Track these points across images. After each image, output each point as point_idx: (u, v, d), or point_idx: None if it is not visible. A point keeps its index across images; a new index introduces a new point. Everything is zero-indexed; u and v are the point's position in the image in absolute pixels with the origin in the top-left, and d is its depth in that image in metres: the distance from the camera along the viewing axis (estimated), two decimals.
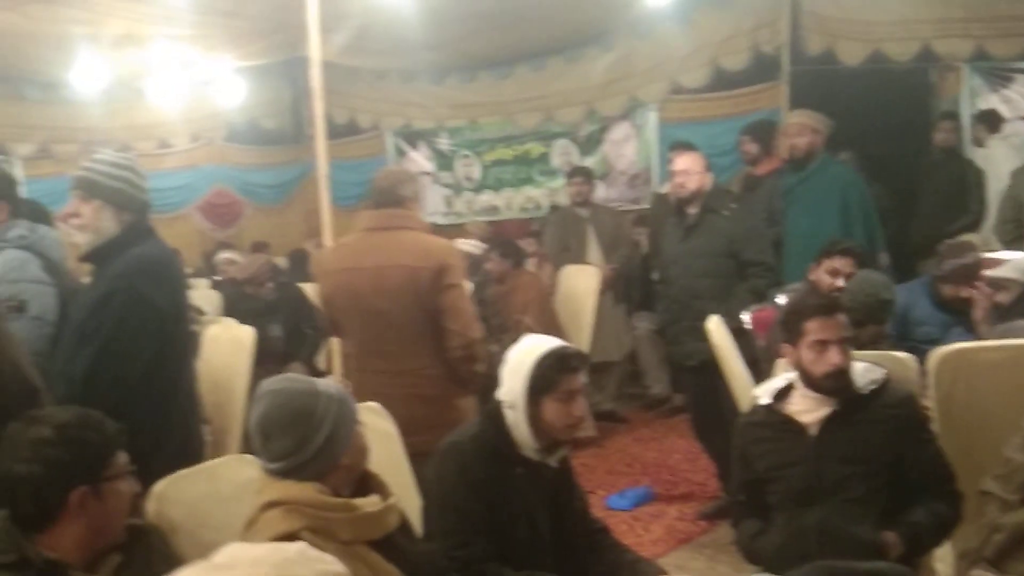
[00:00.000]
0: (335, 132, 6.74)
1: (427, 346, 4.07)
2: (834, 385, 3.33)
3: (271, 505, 2.42)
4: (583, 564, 3.19)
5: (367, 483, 2.62)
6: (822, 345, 3.33)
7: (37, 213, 4.30)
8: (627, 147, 9.63)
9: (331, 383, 2.65)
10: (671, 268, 5.63)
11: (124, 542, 2.33)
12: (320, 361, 7.58)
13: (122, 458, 2.29)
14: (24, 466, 2.17)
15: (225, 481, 2.89)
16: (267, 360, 5.83)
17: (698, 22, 8.68)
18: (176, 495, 2.71)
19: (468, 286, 6.56)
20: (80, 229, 3.48)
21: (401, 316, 4.07)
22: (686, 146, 7.64)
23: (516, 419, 3.03)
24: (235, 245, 10.44)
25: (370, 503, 2.50)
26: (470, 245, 7.70)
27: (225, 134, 11.34)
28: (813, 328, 3.35)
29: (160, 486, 2.67)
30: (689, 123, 8.99)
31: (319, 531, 2.36)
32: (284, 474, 2.47)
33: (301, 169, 11.92)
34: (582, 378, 3.09)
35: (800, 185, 6.20)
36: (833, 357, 3.30)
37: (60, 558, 2.17)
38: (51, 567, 2.15)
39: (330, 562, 1.67)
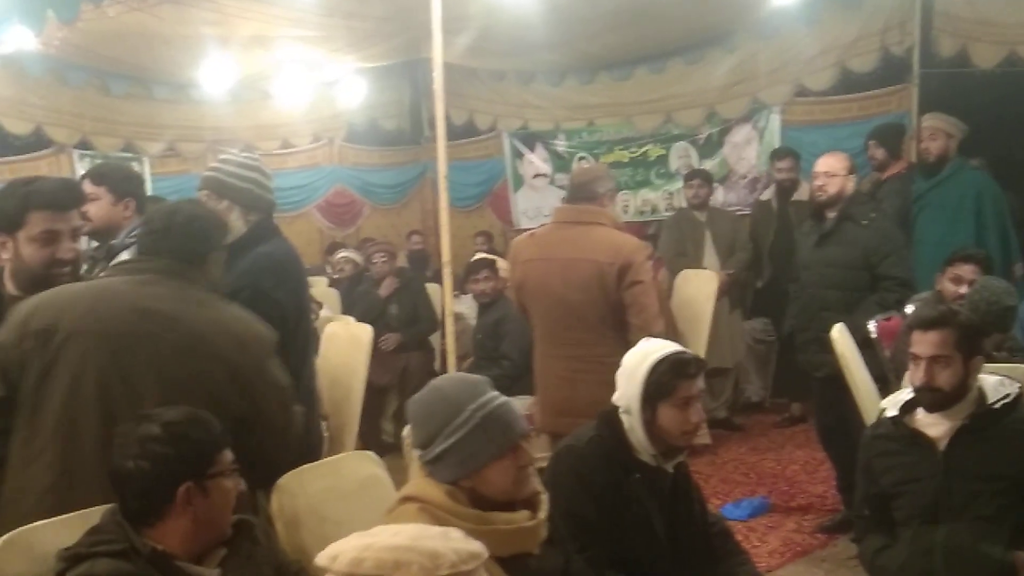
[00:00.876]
0: (453, 133, 6.79)
1: (611, 335, 4.28)
2: (925, 401, 3.25)
3: (408, 499, 2.45)
4: (701, 570, 3.15)
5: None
6: (916, 359, 3.25)
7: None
8: (748, 150, 9.46)
9: (500, 404, 2.49)
10: (803, 273, 5.49)
11: (230, 536, 2.37)
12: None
13: (227, 456, 2.33)
14: (133, 462, 2.24)
15: (346, 477, 2.96)
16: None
17: (825, 23, 8.47)
18: (299, 489, 2.78)
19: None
20: None
21: (587, 307, 4.32)
22: (788, 152, 7.52)
23: (632, 424, 3.01)
24: (352, 244, 10.58)
25: (506, 519, 2.43)
26: None
27: (345, 134, 11.47)
28: (913, 341, 3.29)
29: (284, 480, 2.74)
30: (814, 126, 8.80)
31: None
32: (425, 466, 2.47)
33: (418, 170, 12.04)
34: (699, 384, 3.05)
35: (932, 191, 6.01)
36: (919, 372, 3.21)
37: (166, 549, 2.22)
38: (158, 557, 2.19)
39: (470, 542, 1.70)
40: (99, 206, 3.73)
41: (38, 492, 2.57)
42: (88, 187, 3.73)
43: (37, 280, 2.82)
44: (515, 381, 5.98)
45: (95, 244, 3.88)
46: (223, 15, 7.40)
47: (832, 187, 5.17)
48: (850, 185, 5.22)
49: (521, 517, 2.46)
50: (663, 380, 2.99)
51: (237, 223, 3.58)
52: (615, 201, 4.88)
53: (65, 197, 2.97)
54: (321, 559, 1.67)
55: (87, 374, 2.61)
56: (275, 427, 2.86)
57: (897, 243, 5.23)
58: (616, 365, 3.73)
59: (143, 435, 2.26)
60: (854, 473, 5.23)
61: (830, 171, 5.19)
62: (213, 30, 7.76)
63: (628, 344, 3.94)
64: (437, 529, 1.72)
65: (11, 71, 8.59)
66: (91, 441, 2.57)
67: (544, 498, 2.55)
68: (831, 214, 5.24)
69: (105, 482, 2.35)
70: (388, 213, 12.04)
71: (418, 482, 2.49)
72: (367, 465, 3.03)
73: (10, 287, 2.90)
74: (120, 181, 3.82)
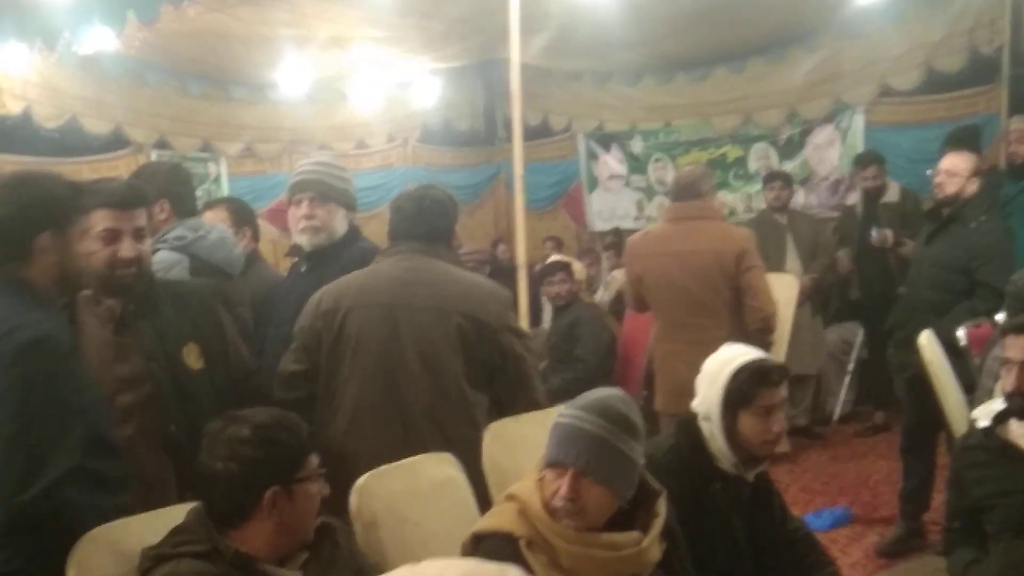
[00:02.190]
0: (528, 134, 6.74)
1: (727, 319, 4.78)
2: (1017, 407, 3.16)
3: (510, 497, 2.43)
4: None
5: (634, 516, 2.48)
6: (1009, 364, 3.15)
7: (240, 211, 4.43)
8: (830, 151, 9.27)
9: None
10: (911, 270, 5.42)
11: (312, 539, 2.35)
12: None
13: (313, 460, 2.31)
14: (222, 464, 2.23)
15: (424, 479, 2.94)
16: None
17: (912, 21, 8.27)
18: (378, 489, 2.76)
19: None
20: (314, 231, 3.62)
21: (706, 293, 4.80)
22: (873, 159, 7.34)
23: (712, 432, 2.97)
24: None
25: (607, 542, 2.36)
26: None
27: (419, 135, 11.49)
28: (1006, 345, 3.20)
29: (363, 480, 2.73)
30: (898, 127, 8.59)
31: (537, 547, 2.30)
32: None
33: (492, 170, 12.04)
34: (782, 392, 2.97)
35: (1022, 194, 5.81)
36: (1012, 378, 3.12)
37: (250, 551, 2.20)
38: (241, 559, 2.18)
39: (518, 573, 1.63)
40: None
41: (338, 440, 3.23)
42: None
43: (79, 282, 2.79)
44: (589, 384, 5.89)
45: None
46: (301, 16, 7.44)
47: (951, 187, 5.01)
48: (971, 187, 5.02)
49: (626, 541, 2.38)
50: (744, 388, 2.93)
51: (341, 223, 3.68)
52: (716, 197, 5.38)
53: (127, 196, 2.97)
54: None
55: (365, 340, 3.29)
56: (520, 370, 3.39)
57: (1002, 251, 5.00)
58: None
59: (233, 437, 2.25)
60: (922, 481, 5.19)
61: (952, 170, 5.02)
62: (290, 31, 7.82)
63: (744, 326, 4.71)
64: (494, 568, 1.63)
65: (91, 72, 8.74)
66: (375, 393, 3.27)
67: (658, 520, 2.47)
68: (945, 213, 5.09)
69: (384, 426, 3.20)
70: (461, 214, 12.00)
71: (526, 484, 2.45)
72: (445, 467, 3.01)
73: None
74: (149, 180, 3.72)
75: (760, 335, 4.70)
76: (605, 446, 2.34)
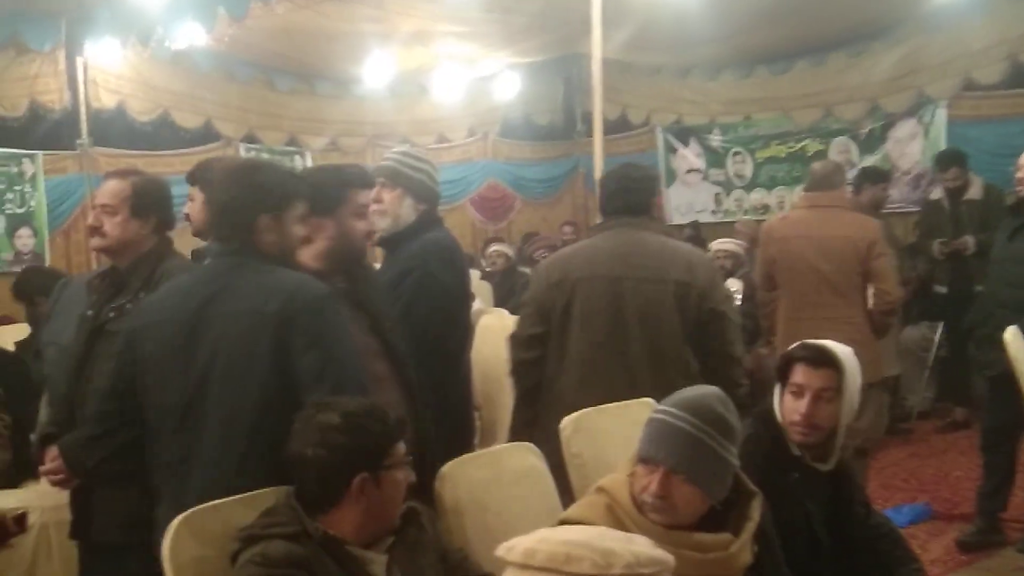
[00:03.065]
0: (606, 128, 6.77)
1: (854, 300, 5.08)
2: None
3: (599, 490, 2.42)
4: (865, 574, 3.05)
5: (727, 517, 2.42)
6: None
7: None
8: (912, 146, 9.16)
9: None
10: (992, 268, 5.35)
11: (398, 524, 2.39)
12: None
13: (400, 448, 2.34)
14: (311, 449, 2.27)
15: (506, 468, 2.96)
16: None
17: (997, 14, 8.14)
18: (461, 477, 2.79)
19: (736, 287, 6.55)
20: (380, 215, 3.61)
21: (838, 275, 5.08)
22: (954, 160, 7.20)
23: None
24: (504, 238, 10.67)
25: (697, 543, 2.30)
26: (733, 244, 7.58)
27: (499, 129, 11.59)
28: None
29: (447, 468, 2.77)
30: (982, 121, 8.46)
31: None
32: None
33: (570, 164, 12.07)
34: (820, 378, 2.91)
35: None
36: None
37: (337, 535, 2.25)
38: (329, 541, 2.23)
39: (655, 549, 1.67)
40: (194, 207, 3.76)
41: (570, 394, 3.67)
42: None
43: (357, 253, 3.13)
44: None
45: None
46: (385, 12, 7.57)
47: None
48: None
49: (716, 542, 2.33)
50: (781, 362, 2.97)
51: (407, 211, 3.66)
52: (846, 189, 5.75)
53: (369, 176, 3.31)
54: (500, 550, 1.68)
55: (593, 307, 3.75)
56: (721, 326, 3.71)
57: None
58: (858, 324, 4.93)
59: (323, 423, 2.29)
60: (1002, 480, 5.12)
61: None
62: (375, 27, 7.95)
63: (874, 306, 5.05)
64: (622, 534, 1.69)
65: (183, 67, 8.99)
66: (603, 354, 3.72)
67: (750, 523, 2.41)
68: None
69: (611, 381, 3.62)
70: (539, 207, 12.10)
71: (616, 477, 2.43)
72: (527, 457, 3.04)
73: (315, 264, 3.00)
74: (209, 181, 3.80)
75: (884, 316, 5.07)
76: (698, 446, 2.31)
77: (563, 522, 2.33)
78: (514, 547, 1.64)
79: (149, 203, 3.26)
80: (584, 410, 3.29)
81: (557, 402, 3.67)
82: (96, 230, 3.22)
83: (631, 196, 3.87)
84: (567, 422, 3.25)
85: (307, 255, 3.05)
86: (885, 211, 7.38)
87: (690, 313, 3.72)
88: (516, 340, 3.94)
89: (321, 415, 2.31)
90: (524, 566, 1.61)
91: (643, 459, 2.35)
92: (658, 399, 3.04)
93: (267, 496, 2.37)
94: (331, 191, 3.02)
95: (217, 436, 2.53)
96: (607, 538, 1.65)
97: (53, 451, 3.09)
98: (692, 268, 3.75)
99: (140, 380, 2.68)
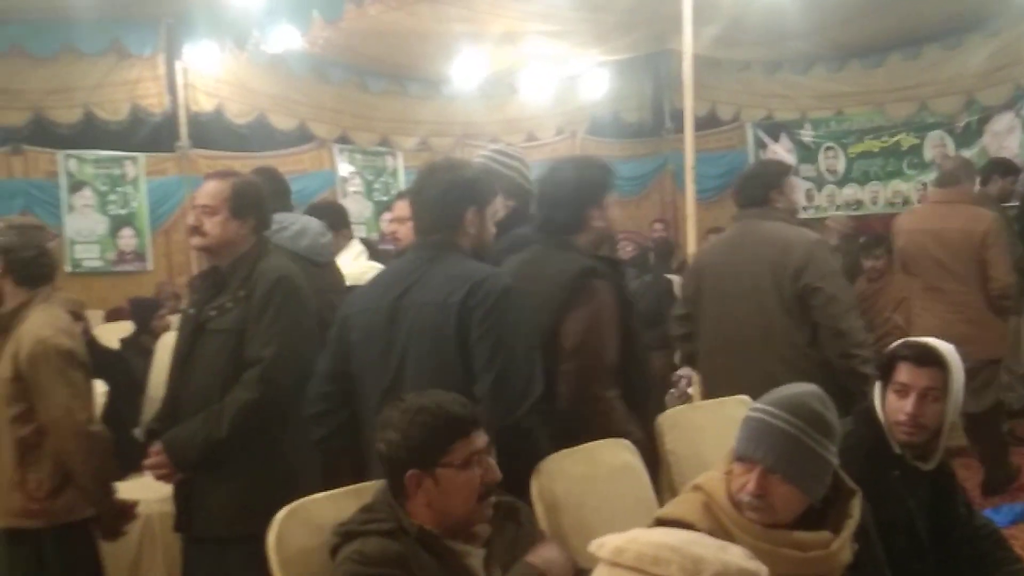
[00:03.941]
0: (695, 124, 6.71)
1: (973, 285, 5.56)
2: None
3: (696, 488, 2.40)
4: (967, 574, 3.00)
5: (826, 515, 2.39)
6: None
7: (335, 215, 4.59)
8: (1010, 139, 8.93)
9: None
10: None
11: (493, 518, 2.39)
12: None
13: (465, 448, 2.31)
14: (382, 443, 2.34)
15: (602, 464, 2.95)
16: None
17: None
18: (558, 472, 2.79)
19: None
20: None
21: (955, 264, 5.60)
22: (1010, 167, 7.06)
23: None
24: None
25: (797, 541, 2.27)
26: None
27: (588, 127, 11.58)
28: None
29: (544, 464, 2.77)
30: None
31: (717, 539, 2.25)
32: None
33: (659, 161, 12.01)
34: (927, 377, 2.83)
35: None
36: None
37: (433, 529, 2.27)
38: (425, 536, 2.26)
39: (750, 562, 1.64)
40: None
41: (705, 361, 4.55)
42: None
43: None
44: None
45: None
46: (475, 12, 7.63)
47: None
48: None
49: (815, 540, 2.30)
50: (886, 359, 2.90)
51: (498, 207, 3.66)
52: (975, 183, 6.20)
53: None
54: (592, 546, 1.68)
55: (717, 290, 4.34)
56: (832, 297, 4.04)
57: None
58: (979, 307, 5.49)
59: (384, 419, 2.36)
60: None
61: None
62: (466, 27, 8.01)
63: (990, 291, 5.49)
64: (716, 542, 1.67)
65: (278, 70, 9.17)
66: (722, 330, 4.33)
67: (850, 521, 2.37)
68: None
69: (732, 351, 4.25)
70: (627, 205, 12.05)
71: (713, 475, 2.41)
72: (622, 453, 3.02)
73: None
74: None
75: (999, 300, 5.52)
76: (797, 445, 2.29)
77: (659, 520, 2.33)
78: (605, 544, 1.65)
79: (248, 204, 3.35)
80: (679, 407, 3.32)
81: (702, 368, 4.61)
82: (197, 230, 3.31)
83: (747, 190, 4.44)
84: (663, 419, 3.25)
85: None
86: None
87: (786, 291, 4.10)
88: (672, 319, 4.78)
89: (386, 410, 2.38)
90: (613, 563, 1.62)
91: (740, 458, 2.32)
92: (768, 370, 3.47)
93: (371, 489, 2.42)
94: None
95: None
96: (699, 544, 1.64)
97: (157, 446, 3.22)
98: (788, 249, 4.13)
99: (351, 365, 2.92)
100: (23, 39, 8.12)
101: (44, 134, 8.49)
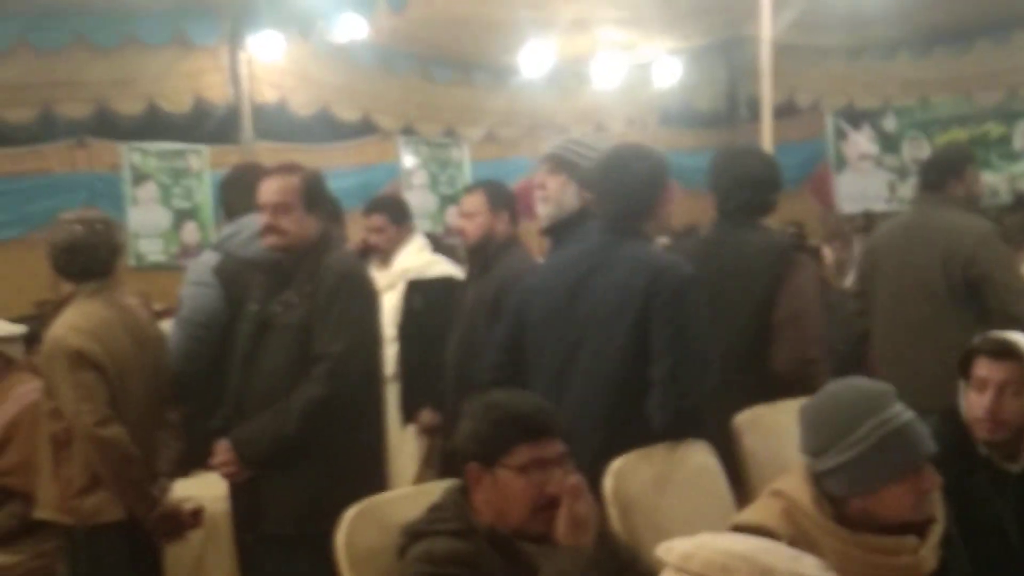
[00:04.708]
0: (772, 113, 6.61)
1: None
2: None
3: (775, 493, 2.34)
4: None
5: (910, 521, 2.31)
6: None
7: (497, 194, 4.48)
8: None
9: (904, 422, 2.29)
10: None
11: None
12: None
13: (533, 451, 2.25)
14: (457, 434, 2.35)
15: (679, 465, 2.90)
16: None
17: None
18: (633, 473, 2.74)
19: None
20: (543, 201, 3.60)
21: None
22: None
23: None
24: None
25: (883, 546, 2.22)
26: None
27: (659, 117, 11.39)
28: None
29: (618, 463, 2.71)
30: None
31: (800, 547, 2.14)
32: (809, 471, 2.30)
33: None
34: (1007, 370, 2.76)
35: None
36: None
37: (503, 530, 2.22)
38: (494, 536, 2.21)
39: (821, 570, 1.54)
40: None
41: (879, 342, 4.54)
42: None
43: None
44: (840, 373, 5.70)
45: None
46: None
47: None
48: None
49: (903, 545, 2.23)
50: (963, 356, 2.85)
51: (571, 198, 3.58)
52: None
53: None
54: (660, 549, 1.61)
55: (884, 275, 4.41)
56: (1003, 285, 4.07)
57: None
58: None
59: (464, 409, 2.37)
60: None
61: None
62: (534, 14, 7.95)
63: None
64: (790, 552, 1.58)
65: (343, 61, 9.12)
66: (895, 310, 4.38)
67: (936, 527, 2.31)
68: None
69: (899, 330, 4.31)
70: (701, 197, 11.80)
71: (793, 479, 2.33)
72: (700, 455, 2.94)
73: None
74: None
75: None
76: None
77: (736, 526, 2.27)
78: (673, 548, 1.57)
79: (318, 196, 3.38)
80: (759, 407, 3.25)
81: (875, 347, 4.56)
82: (272, 228, 3.28)
83: (925, 175, 4.54)
84: (741, 419, 3.20)
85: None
86: None
87: (956, 278, 4.14)
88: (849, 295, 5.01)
89: (468, 401, 2.39)
90: (680, 569, 1.53)
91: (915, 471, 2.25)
92: (940, 356, 3.58)
93: (438, 488, 2.41)
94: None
95: (577, 399, 2.93)
96: (771, 554, 1.54)
97: (224, 444, 3.25)
98: (959, 237, 4.16)
99: (526, 339, 3.14)
100: (86, 31, 8.08)
101: (107, 126, 8.48)
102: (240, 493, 3.36)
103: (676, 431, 2.83)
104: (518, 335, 3.17)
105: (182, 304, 3.74)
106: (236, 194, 3.99)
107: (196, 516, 3.66)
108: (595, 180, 3.58)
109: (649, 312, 2.87)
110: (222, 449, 3.25)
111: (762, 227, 3.74)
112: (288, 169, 3.40)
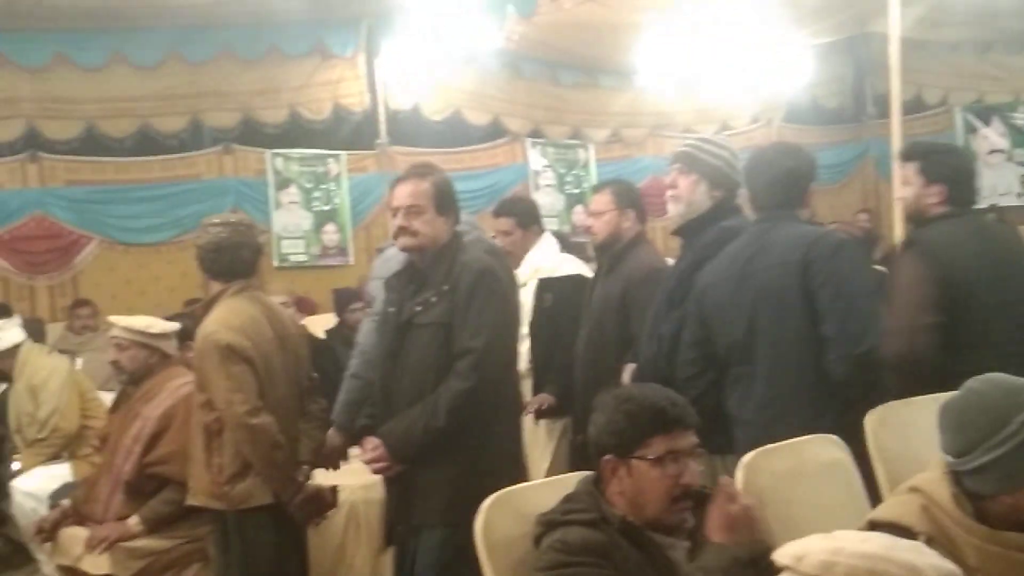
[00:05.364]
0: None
1: None
2: None
3: (912, 490, 2.29)
4: None
5: None
6: None
7: (624, 193, 4.52)
8: None
9: None
10: None
11: (693, 508, 2.34)
12: None
13: (668, 443, 2.29)
14: (590, 426, 2.37)
15: (810, 460, 2.86)
16: None
17: None
18: (764, 467, 2.72)
19: None
20: (674, 201, 3.59)
21: None
22: None
23: None
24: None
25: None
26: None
27: (784, 114, 11.31)
28: None
29: (748, 457, 2.70)
30: None
31: (938, 545, 2.07)
32: (949, 468, 2.24)
33: (860, 148, 11.61)
34: None
35: None
36: None
37: (636, 520, 2.25)
38: (627, 527, 2.25)
39: (945, 562, 1.54)
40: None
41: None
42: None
43: None
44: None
45: None
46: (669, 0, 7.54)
47: None
48: None
49: None
50: None
51: (702, 197, 3.56)
52: None
53: None
54: (783, 558, 1.58)
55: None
56: None
57: None
58: None
59: (597, 402, 2.39)
60: None
61: None
62: (659, 15, 7.93)
63: None
64: (908, 543, 1.58)
65: (473, 67, 9.31)
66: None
67: None
68: None
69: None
70: (826, 194, 11.70)
71: (932, 476, 2.27)
72: (831, 449, 2.89)
73: None
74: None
75: None
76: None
77: (872, 523, 2.24)
78: (804, 557, 1.56)
79: (449, 199, 3.40)
80: (890, 403, 3.17)
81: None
82: (405, 230, 3.31)
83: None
84: (872, 415, 3.11)
85: None
86: None
87: None
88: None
89: (600, 396, 2.40)
90: None
91: None
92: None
93: (573, 479, 2.43)
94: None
95: (765, 376, 3.12)
96: (900, 549, 1.55)
97: (374, 441, 3.29)
98: None
99: (711, 330, 3.28)
100: (232, 43, 8.49)
101: (252, 134, 8.88)
102: (392, 486, 3.42)
103: (857, 381, 3.01)
104: (702, 328, 3.31)
105: (370, 297, 3.89)
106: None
107: (333, 494, 3.80)
108: (750, 174, 3.59)
109: (809, 280, 3.03)
110: (372, 446, 3.28)
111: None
112: (420, 173, 3.41)
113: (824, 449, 2.91)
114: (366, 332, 3.89)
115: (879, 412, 3.10)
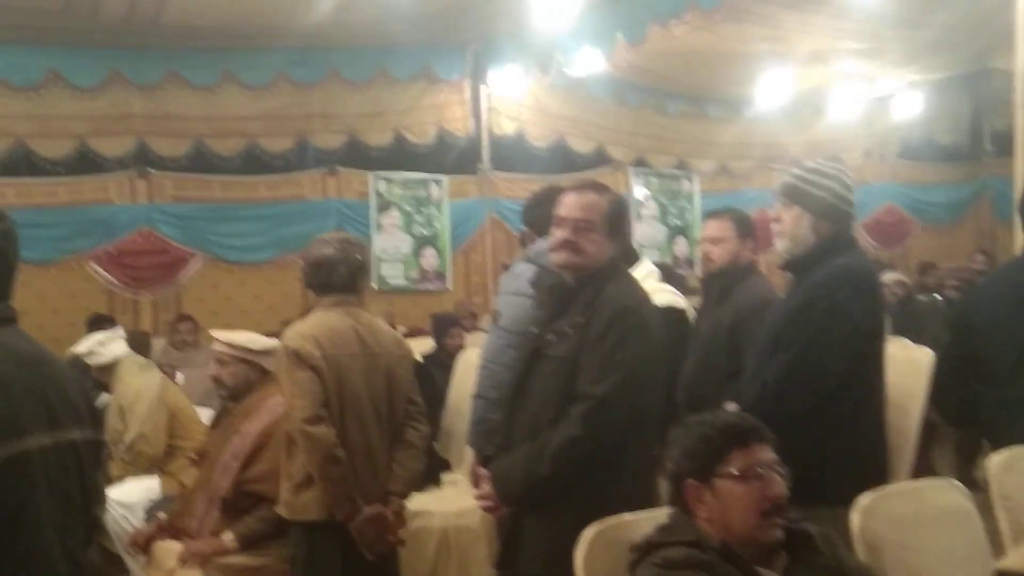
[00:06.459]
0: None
1: None
2: None
3: None
4: None
5: None
6: None
7: (743, 222, 4.42)
8: None
9: None
10: None
11: (788, 542, 2.26)
12: None
13: (748, 456, 2.24)
14: (668, 463, 2.33)
15: (930, 504, 2.78)
16: None
17: None
18: (882, 510, 2.64)
19: None
20: (779, 236, 3.41)
21: None
22: None
23: None
24: (899, 265, 10.10)
25: None
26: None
27: (898, 150, 11.04)
28: None
29: (866, 500, 2.62)
30: None
31: None
32: None
33: (975, 187, 11.30)
34: None
35: None
36: None
37: (733, 543, 2.20)
38: (727, 551, 2.20)
39: None
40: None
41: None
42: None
43: None
44: None
45: None
46: (783, 31, 7.44)
47: None
48: None
49: None
50: None
51: (806, 232, 3.34)
52: None
53: None
54: None
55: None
56: None
57: None
58: None
59: (671, 438, 2.36)
60: None
61: None
62: (771, 46, 7.84)
63: None
64: None
65: (578, 94, 9.29)
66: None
67: None
68: None
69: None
70: (938, 233, 11.39)
71: None
72: (953, 495, 2.80)
73: None
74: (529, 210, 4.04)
75: None
76: None
77: (1001, 572, 2.27)
78: None
79: (623, 223, 3.16)
80: (1016, 447, 3.03)
81: None
82: (569, 244, 3.02)
83: None
84: (995, 460, 2.99)
85: None
86: None
87: None
88: None
89: (685, 425, 2.38)
90: None
91: None
92: None
93: (663, 514, 2.39)
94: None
95: None
96: None
97: (487, 475, 3.10)
98: None
99: (977, 347, 3.47)
100: (341, 65, 8.59)
101: (357, 156, 8.94)
102: (501, 528, 3.24)
103: None
104: (967, 345, 3.52)
105: (500, 314, 3.81)
106: (546, 211, 4.05)
107: (399, 518, 3.64)
108: (833, 211, 3.50)
109: None
110: (484, 480, 3.09)
111: None
112: (596, 188, 3.15)
113: (946, 494, 2.81)
114: (495, 350, 3.72)
115: (1004, 457, 2.97)
